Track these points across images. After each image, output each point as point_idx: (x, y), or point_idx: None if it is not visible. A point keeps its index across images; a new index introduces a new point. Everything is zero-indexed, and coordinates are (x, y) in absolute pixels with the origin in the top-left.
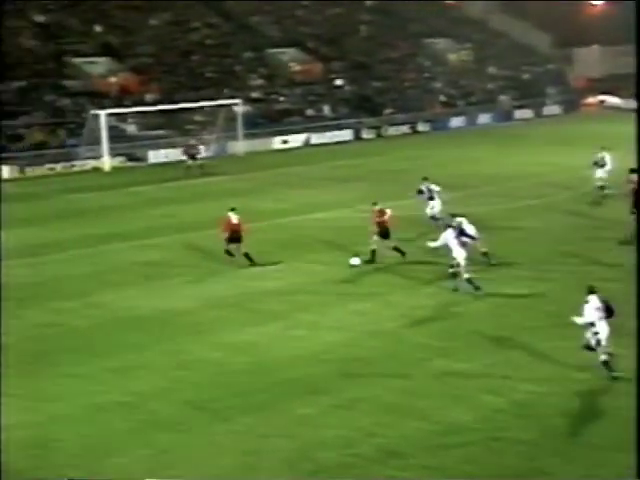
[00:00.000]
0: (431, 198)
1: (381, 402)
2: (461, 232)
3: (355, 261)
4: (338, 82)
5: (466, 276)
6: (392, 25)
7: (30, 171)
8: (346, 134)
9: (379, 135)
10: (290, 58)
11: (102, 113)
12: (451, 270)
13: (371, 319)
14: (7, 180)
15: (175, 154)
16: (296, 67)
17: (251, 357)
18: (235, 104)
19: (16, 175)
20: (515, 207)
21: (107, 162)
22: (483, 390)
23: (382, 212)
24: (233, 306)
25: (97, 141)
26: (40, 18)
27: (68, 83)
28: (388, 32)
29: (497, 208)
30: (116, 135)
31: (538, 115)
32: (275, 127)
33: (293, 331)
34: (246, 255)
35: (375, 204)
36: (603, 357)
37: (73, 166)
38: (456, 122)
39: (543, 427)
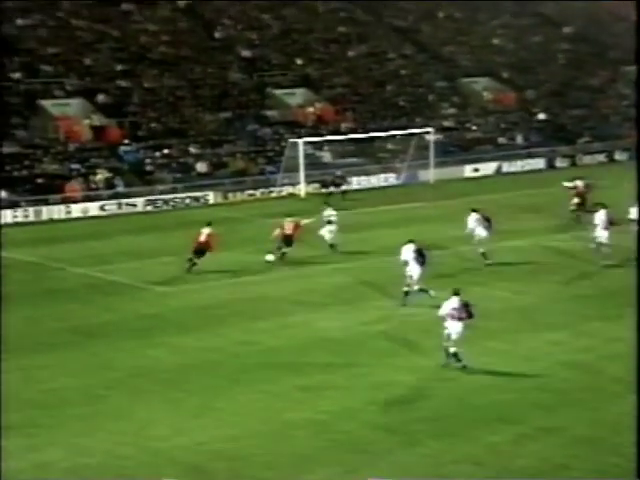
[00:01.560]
0: (329, 222)
1: (572, 434)
2: (419, 252)
3: (269, 257)
4: (541, 116)
5: (416, 287)
6: (591, 52)
7: (232, 197)
8: (539, 163)
9: (573, 164)
10: (483, 87)
11: (300, 142)
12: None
13: (565, 349)
14: (212, 205)
15: (368, 181)
16: (489, 96)
17: (440, 382)
18: (427, 132)
19: (220, 200)
20: None
21: (303, 189)
22: None
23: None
24: (423, 331)
25: (294, 168)
26: (246, 53)
27: (269, 113)
28: (586, 59)
29: None
30: (312, 163)
31: None
32: (466, 155)
33: (482, 358)
34: (191, 266)
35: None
36: (452, 349)
37: (271, 192)
38: None
39: None
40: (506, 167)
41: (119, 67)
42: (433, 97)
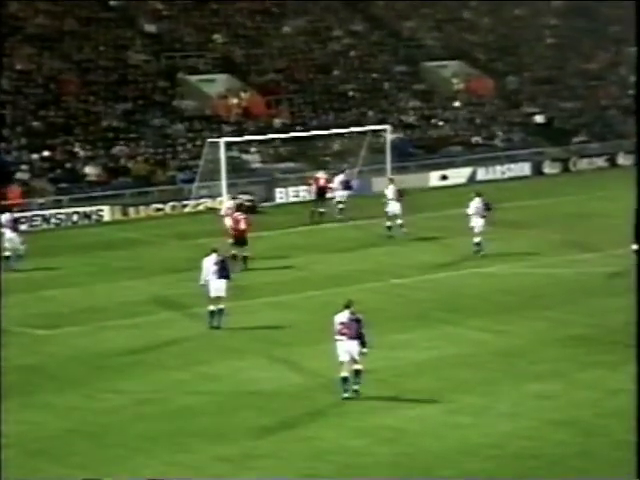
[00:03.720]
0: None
1: None
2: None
3: None
4: (538, 118)
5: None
6: (587, 30)
7: (133, 212)
8: (523, 168)
9: (566, 169)
10: (452, 73)
11: (221, 141)
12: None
13: (558, 405)
14: (108, 223)
15: (309, 192)
16: (460, 84)
17: (398, 447)
18: (383, 130)
19: (117, 217)
20: None
21: (225, 201)
22: None
23: (237, 220)
24: (378, 382)
25: (214, 176)
26: (151, 28)
27: (181, 105)
28: (582, 38)
29: None
30: (236, 168)
31: None
32: (432, 159)
33: (453, 416)
34: (245, 262)
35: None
36: (357, 366)
37: (184, 206)
38: None
39: None
40: (482, 174)
41: None
42: (390, 85)
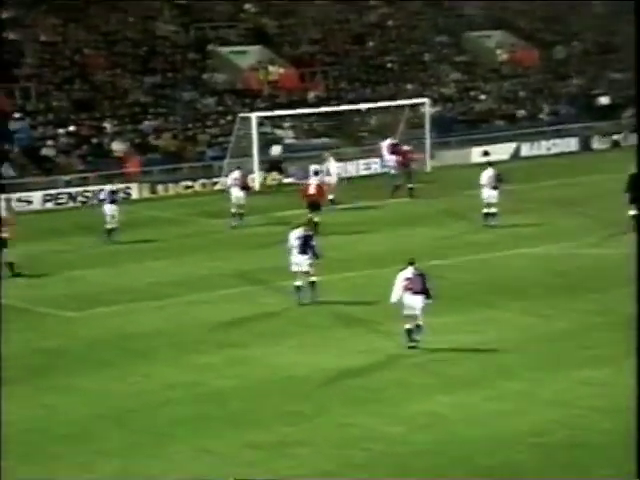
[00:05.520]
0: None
1: None
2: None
3: None
4: (603, 100)
5: (313, 279)
6: None
7: (162, 190)
8: (570, 143)
9: (616, 145)
10: (496, 43)
11: (253, 116)
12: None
13: (604, 392)
14: (136, 200)
15: (344, 169)
16: (504, 55)
17: (438, 435)
18: (422, 104)
19: (146, 195)
20: None
21: (258, 179)
22: None
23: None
24: (416, 367)
25: (245, 152)
26: None
27: (211, 78)
28: (633, 5)
29: None
30: (269, 144)
31: None
32: (474, 134)
33: (495, 403)
34: (314, 226)
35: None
36: (407, 326)
37: (215, 183)
38: None
39: None
40: (527, 149)
41: (4, 14)
42: (430, 57)
